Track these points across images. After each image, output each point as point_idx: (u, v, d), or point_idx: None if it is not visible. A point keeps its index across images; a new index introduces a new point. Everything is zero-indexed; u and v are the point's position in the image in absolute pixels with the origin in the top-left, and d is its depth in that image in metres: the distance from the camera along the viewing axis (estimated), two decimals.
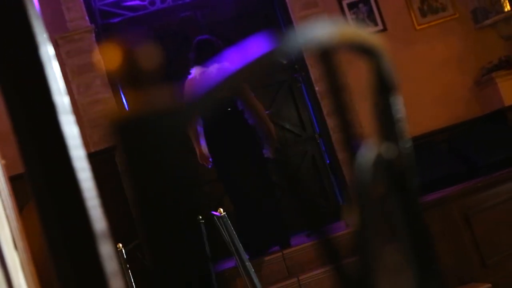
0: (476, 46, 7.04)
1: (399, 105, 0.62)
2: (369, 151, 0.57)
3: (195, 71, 5.45)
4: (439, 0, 7.09)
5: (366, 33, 0.63)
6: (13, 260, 1.01)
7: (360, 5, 6.90)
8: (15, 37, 0.80)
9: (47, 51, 0.82)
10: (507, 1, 7.04)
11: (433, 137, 6.68)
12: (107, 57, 0.48)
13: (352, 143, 0.54)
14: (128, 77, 0.45)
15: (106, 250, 0.80)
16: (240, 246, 3.08)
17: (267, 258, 5.15)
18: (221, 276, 3.74)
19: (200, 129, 5.38)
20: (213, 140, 5.33)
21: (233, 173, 5.21)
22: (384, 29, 6.79)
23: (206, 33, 6.13)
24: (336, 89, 0.55)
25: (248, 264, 3.04)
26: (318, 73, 6.67)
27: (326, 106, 6.69)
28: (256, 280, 2.93)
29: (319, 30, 0.54)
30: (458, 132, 6.73)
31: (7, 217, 1.07)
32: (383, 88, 0.60)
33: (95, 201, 0.81)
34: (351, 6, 6.91)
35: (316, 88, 6.70)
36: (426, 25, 7.02)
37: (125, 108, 0.49)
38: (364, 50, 0.60)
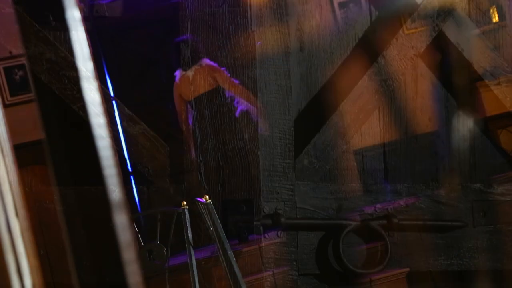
0: None
1: None
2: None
3: (179, 75, 5.36)
4: None
5: None
6: (15, 228, 1.00)
7: (351, 5, 6.91)
8: None
9: (74, 15, 0.81)
10: (496, 12, 7.09)
11: None
12: None
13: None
14: None
15: (121, 219, 0.80)
16: (223, 235, 3.08)
17: (245, 249, 5.15)
18: (198, 265, 3.74)
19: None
20: None
21: None
22: None
23: (194, 22, 6.06)
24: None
25: (230, 253, 3.04)
26: None
27: None
28: (237, 270, 2.93)
29: None
30: None
31: (10, 183, 1.06)
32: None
33: (113, 169, 0.81)
34: (341, 5, 6.92)
35: None
36: (415, 30, 7.04)
37: None
38: None
